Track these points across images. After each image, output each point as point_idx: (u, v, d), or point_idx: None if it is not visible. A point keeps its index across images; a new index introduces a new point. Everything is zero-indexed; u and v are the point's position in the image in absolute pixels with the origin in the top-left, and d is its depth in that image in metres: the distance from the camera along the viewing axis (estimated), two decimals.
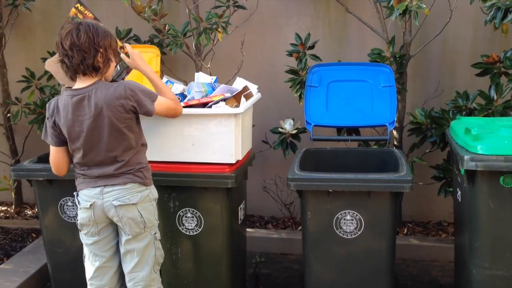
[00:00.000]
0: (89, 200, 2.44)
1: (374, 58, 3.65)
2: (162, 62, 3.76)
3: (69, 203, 3.04)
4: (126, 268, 2.53)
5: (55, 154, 2.50)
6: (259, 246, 4.03)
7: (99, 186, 2.43)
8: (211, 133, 2.74)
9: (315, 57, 3.76)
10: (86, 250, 2.57)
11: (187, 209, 2.88)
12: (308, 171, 2.74)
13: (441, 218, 4.22)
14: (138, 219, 2.45)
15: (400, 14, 3.41)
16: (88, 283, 2.58)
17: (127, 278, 2.54)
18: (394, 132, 3.83)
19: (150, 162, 2.85)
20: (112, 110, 2.33)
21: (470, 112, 3.44)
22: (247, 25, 4.07)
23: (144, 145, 2.54)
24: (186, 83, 3.30)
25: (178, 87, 3.05)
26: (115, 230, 2.54)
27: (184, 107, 2.76)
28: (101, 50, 2.33)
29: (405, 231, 4.08)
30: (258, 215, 4.50)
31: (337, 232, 2.72)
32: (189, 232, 2.91)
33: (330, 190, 2.66)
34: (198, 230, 2.89)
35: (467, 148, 2.55)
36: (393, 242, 2.76)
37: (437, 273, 3.68)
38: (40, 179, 3.02)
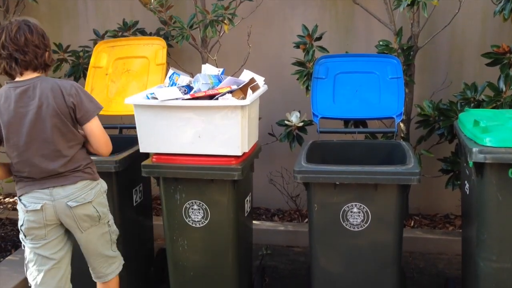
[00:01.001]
0: (38, 202, 2.39)
1: (382, 49, 3.63)
2: (168, 54, 3.75)
3: None
4: (90, 262, 2.61)
5: None
6: (265, 239, 4.04)
7: (47, 187, 2.39)
8: (218, 125, 2.74)
9: (322, 48, 3.73)
10: (31, 256, 2.51)
11: (193, 201, 2.88)
12: (314, 164, 2.72)
13: (448, 211, 4.20)
14: (94, 215, 2.49)
15: (408, 5, 3.38)
16: None
17: (93, 270, 2.64)
18: (402, 125, 3.81)
19: (157, 154, 2.87)
20: (57, 101, 2.32)
21: (479, 104, 3.41)
22: (253, 17, 4.05)
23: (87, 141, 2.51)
24: (192, 75, 3.29)
25: (184, 79, 3.04)
26: (63, 229, 2.51)
27: (190, 99, 2.76)
28: (48, 48, 2.41)
29: (412, 224, 4.07)
30: (265, 208, 4.50)
31: (344, 224, 2.71)
32: (196, 224, 2.91)
33: (337, 183, 2.65)
34: (205, 222, 2.90)
35: (475, 140, 2.53)
36: (400, 235, 2.75)
37: (444, 266, 3.67)
38: None
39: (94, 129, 2.44)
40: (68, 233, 2.55)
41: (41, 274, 2.50)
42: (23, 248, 2.57)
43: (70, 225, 2.47)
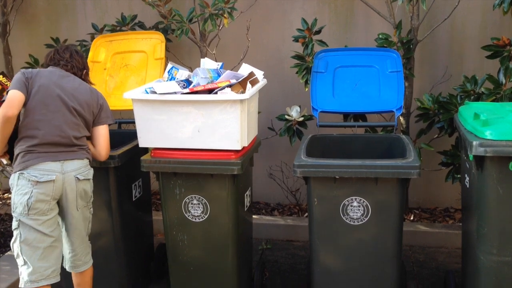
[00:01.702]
0: (51, 174, 2.53)
1: (381, 43, 3.61)
2: (166, 48, 3.73)
3: None
4: (75, 247, 2.74)
5: (19, 97, 2.52)
6: (265, 233, 4.04)
7: (60, 160, 2.57)
8: (217, 120, 2.72)
9: (322, 42, 3.72)
10: (29, 234, 2.54)
11: (193, 195, 2.87)
12: (314, 158, 2.72)
13: (448, 205, 4.20)
14: (89, 194, 2.73)
15: None
16: (27, 275, 2.57)
17: (74, 257, 2.76)
18: (401, 118, 3.80)
19: (156, 149, 2.86)
20: (91, 97, 2.76)
21: (478, 97, 3.40)
22: (253, 11, 4.03)
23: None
24: (191, 70, 3.28)
25: (183, 73, 3.03)
26: (58, 210, 2.64)
27: (189, 93, 2.74)
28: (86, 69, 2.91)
29: (412, 218, 4.07)
30: (264, 202, 4.50)
31: (344, 218, 2.71)
32: (195, 219, 2.90)
33: (336, 177, 2.64)
34: (204, 217, 2.89)
35: (476, 134, 2.52)
36: (400, 229, 2.74)
37: (443, 260, 3.67)
38: None
39: (105, 135, 2.82)
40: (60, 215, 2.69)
41: (39, 251, 2.56)
42: (14, 227, 2.58)
43: (71, 200, 2.63)
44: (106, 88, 3.65)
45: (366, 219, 2.69)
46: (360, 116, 3.64)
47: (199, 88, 2.77)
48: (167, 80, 3.00)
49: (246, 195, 3.10)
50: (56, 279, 2.65)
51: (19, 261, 2.60)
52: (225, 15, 3.71)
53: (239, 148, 2.77)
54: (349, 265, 2.78)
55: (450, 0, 3.67)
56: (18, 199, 2.53)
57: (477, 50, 3.56)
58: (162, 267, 3.41)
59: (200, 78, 2.88)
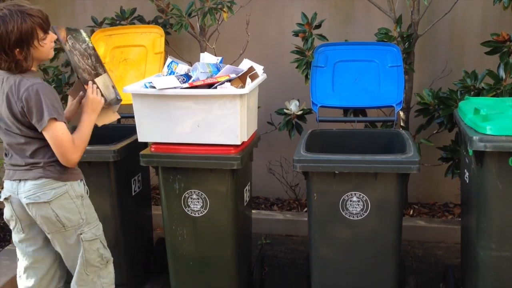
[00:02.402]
0: (5, 194, 2.30)
1: (382, 37, 3.60)
2: (166, 42, 3.72)
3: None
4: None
5: None
6: (265, 228, 4.04)
7: (15, 179, 2.26)
8: (216, 114, 2.72)
9: (322, 37, 3.70)
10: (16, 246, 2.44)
11: (192, 190, 2.87)
12: (314, 153, 2.72)
13: (447, 200, 4.20)
14: (53, 219, 2.25)
15: None
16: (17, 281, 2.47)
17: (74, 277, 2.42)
18: (401, 113, 3.79)
19: (155, 143, 2.86)
20: (10, 102, 2.17)
21: (479, 92, 3.40)
22: (252, 5, 4.01)
23: None
24: (190, 64, 3.27)
25: (182, 68, 3.02)
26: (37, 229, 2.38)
27: (189, 88, 2.74)
28: (15, 50, 2.12)
29: (411, 213, 4.07)
30: (264, 197, 4.50)
31: (343, 213, 2.71)
32: (195, 214, 2.90)
33: (336, 172, 2.64)
34: (204, 211, 2.89)
35: (475, 129, 2.52)
36: (400, 224, 2.75)
37: (443, 255, 3.68)
38: None
39: (48, 137, 2.20)
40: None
41: (22, 269, 2.45)
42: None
43: (39, 223, 2.32)
44: None
45: (365, 214, 2.69)
46: (360, 111, 3.63)
47: (198, 83, 2.77)
48: (166, 75, 2.99)
49: (246, 190, 3.10)
50: None
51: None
52: (224, 9, 3.70)
53: (239, 143, 2.77)
54: (348, 260, 2.79)
55: None
56: None
57: (477, 45, 3.55)
58: (162, 262, 3.41)
59: (199, 73, 2.87)
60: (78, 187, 2.34)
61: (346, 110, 3.59)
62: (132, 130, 3.00)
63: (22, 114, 2.16)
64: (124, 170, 3.08)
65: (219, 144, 2.77)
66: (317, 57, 3.39)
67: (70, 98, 2.56)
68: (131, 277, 3.24)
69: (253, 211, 3.56)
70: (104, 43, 3.72)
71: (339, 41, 3.77)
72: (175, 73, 2.97)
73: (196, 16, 3.88)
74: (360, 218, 2.71)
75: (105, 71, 2.55)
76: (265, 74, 3.06)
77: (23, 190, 2.25)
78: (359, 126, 3.45)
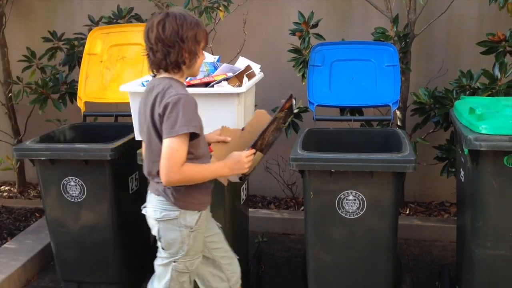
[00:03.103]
0: (145, 205, 2.32)
1: (378, 37, 3.62)
2: None
3: (72, 183, 3.04)
4: None
5: None
6: (262, 226, 4.05)
7: (149, 191, 2.29)
8: (213, 113, 2.72)
9: (319, 36, 3.72)
10: None
11: None
12: (310, 151, 2.72)
13: (443, 199, 4.22)
14: (157, 236, 2.26)
15: None
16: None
17: None
18: (398, 112, 3.81)
19: None
20: (152, 109, 2.10)
21: (474, 92, 3.41)
22: (249, 4, 4.02)
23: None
24: None
25: None
26: None
27: (186, 86, 2.74)
28: (187, 43, 2.09)
29: (408, 211, 4.09)
30: (261, 196, 4.51)
31: (340, 212, 2.72)
32: None
33: (332, 170, 2.65)
34: None
35: (471, 128, 2.53)
36: (396, 222, 2.76)
37: (439, 253, 3.69)
38: (42, 158, 3.02)
39: (163, 150, 2.07)
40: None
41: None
42: None
43: None
44: (102, 81, 3.64)
45: (361, 212, 2.70)
46: (356, 110, 3.65)
47: (195, 82, 2.77)
48: None
49: (242, 188, 3.11)
50: None
51: None
52: (220, 8, 3.70)
53: None
54: (344, 258, 2.80)
55: None
56: None
57: (473, 45, 3.57)
58: None
59: None
60: (190, 217, 2.21)
61: (342, 109, 3.60)
62: (129, 128, 3.01)
63: (160, 121, 2.07)
64: (121, 169, 3.09)
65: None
66: (314, 56, 3.40)
67: (221, 131, 2.47)
68: (127, 276, 3.24)
69: (250, 209, 3.58)
70: (101, 41, 3.72)
71: (336, 40, 3.78)
72: None
73: None
74: (356, 216, 2.72)
75: (264, 154, 2.40)
76: (262, 73, 3.07)
77: (149, 199, 2.27)
78: (355, 125, 3.46)
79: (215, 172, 2.21)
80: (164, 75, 2.17)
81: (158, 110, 2.06)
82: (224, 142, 2.41)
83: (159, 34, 2.07)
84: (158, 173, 2.12)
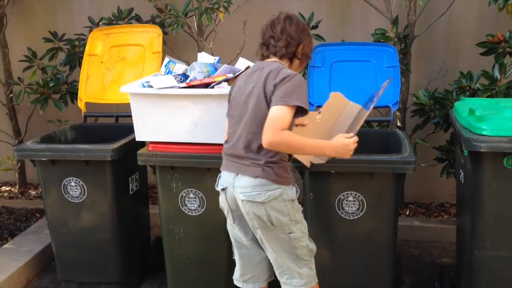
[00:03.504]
0: (222, 185, 2.38)
1: (378, 38, 3.62)
2: (164, 42, 3.73)
3: (72, 183, 3.04)
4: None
5: None
6: None
7: (232, 172, 2.33)
8: (214, 114, 2.73)
9: (319, 37, 3.72)
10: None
11: (189, 189, 2.88)
12: None
13: (443, 200, 4.22)
14: (263, 218, 2.29)
15: None
16: (236, 270, 2.57)
17: (274, 267, 2.46)
18: (398, 113, 3.81)
19: (153, 142, 2.87)
20: (264, 84, 2.24)
21: (474, 93, 3.42)
22: (249, 5, 4.02)
23: None
24: (188, 64, 3.27)
25: (180, 67, 3.03)
26: None
27: (186, 87, 2.75)
28: (304, 44, 2.37)
29: (407, 212, 4.09)
30: None
31: (339, 213, 2.72)
32: (192, 213, 2.92)
33: (332, 171, 2.65)
34: (201, 210, 2.90)
35: (471, 129, 2.54)
36: (395, 223, 2.76)
37: (438, 254, 3.69)
38: (43, 159, 3.02)
39: (270, 115, 2.19)
40: None
41: (237, 258, 2.54)
42: None
43: (246, 218, 2.37)
44: (103, 82, 3.65)
45: (361, 213, 2.71)
46: None
47: (196, 82, 2.78)
48: (164, 74, 3.00)
49: None
50: (251, 286, 2.54)
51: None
52: (220, 9, 3.71)
53: None
54: (344, 259, 2.80)
55: None
56: None
57: (473, 46, 3.57)
58: (159, 261, 3.42)
59: (197, 72, 2.88)
60: (290, 191, 2.34)
61: None
62: (130, 129, 3.01)
63: (271, 92, 2.22)
64: (121, 169, 3.09)
65: (216, 144, 2.78)
66: (314, 57, 3.40)
67: (313, 114, 2.57)
68: (128, 276, 3.25)
69: None
70: (101, 42, 3.73)
71: (336, 41, 3.79)
72: (173, 73, 2.98)
73: (193, 16, 3.89)
74: (356, 217, 2.72)
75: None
76: None
77: (239, 185, 2.30)
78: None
79: (319, 148, 2.30)
80: (274, 59, 2.36)
81: (274, 81, 2.21)
82: (302, 125, 2.51)
83: (286, 26, 2.34)
84: (258, 148, 2.24)
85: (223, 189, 2.40)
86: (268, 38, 2.37)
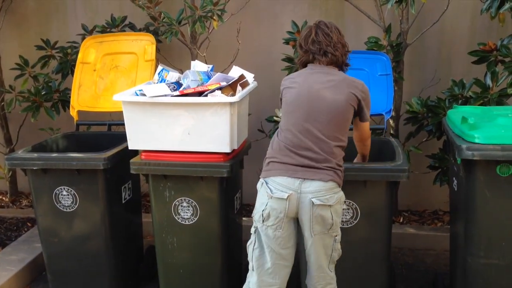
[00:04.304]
0: (285, 191, 2.33)
1: (371, 46, 3.63)
2: (157, 50, 3.73)
3: (64, 192, 3.02)
4: (309, 267, 2.48)
5: None
6: None
7: (298, 178, 2.32)
8: (207, 122, 2.72)
9: None
10: (260, 243, 2.44)
11: (182, 198, 2.87)
12: None
13: (436, 207, 4.23)
14: (329, 221, 2.35)
15: (396, 2, 3.39)
16: (254, 283, 2.48)
17: (312, 277, 2.48)
18: (391, 121, 3.82)
19: (146, 151, 2.85)
20: (346, 92, 2.40)
21: (466, 101, 3.43)
22: (243, 13, 4.03)
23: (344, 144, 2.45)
24: (181, 72, 3.27)
25: (173, 76, 3.03)
26: (296, 225, 2.43)
27: (179, 95, 2.74)
28: (347, 51, 2.54)
29: (401, 220, 4.09)
30: (254, 205, 4.48)
31: None
32: (185, 222, 2.90)
33: None
34: (194, 219, 2.89)
35: (463, 137, 2.54)
36: (389, 231, 2.76)
37: (432, 262, 3.69)
38: (34, 168, 3.00)
39: (364, 127, 2.61)
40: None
41: (267, 265, 2.45)
42: (252, 231, 2.48)
43: (305, 222, 2.36)
44: (95, 90, 3.64)
45: (355, 221, 2.70)
46: None
47: (189, 91, 2.77)
48: (157, 82, 2.99)
49: (236, 197, 3.10)
50: None
51: (250, 265, 2.51)
52: (214, 18, 3.71)
53: (229, 150, 2.77)
54: (338, 267, 2.78)
55: (439, 4, 3.69)
56: (257, 205, 2.44)
57: (465, 54, 3.59)
58: (151, 269, 3.40)
59: (190, 81, 2.88)
60: (343, 192, 2.45)
61: None
62: (123, 137, 3.00)
63: (357, 104, 2.44)
64: (114, 178, 3.07)
65: (210, 152, 2.78)
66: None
67: None
68: (120, 285, 3.22)
69: (243, 218, 3.56)
70: (94, 49, 3.72)
71: None
72: (166, 81, 2.98)
73: (187, 24, 3.89)
74: (350, 225, 2.72)
75: None
76: (255, 82, 3.08)
77: (310, 190, 2.32)
78: (349, 134, 3.45)
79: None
80: (331, 66, 2.49)
81: (359, 93, 2.43)
82: None
83: (339, 36, 2.50)
84: (334, 152, 2.36)
85: (286, 197, 2.32)
86: (326, 46, 2.45)
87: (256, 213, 2.43)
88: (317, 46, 2.45)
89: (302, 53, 2.53)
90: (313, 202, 2.31)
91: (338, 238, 2.45)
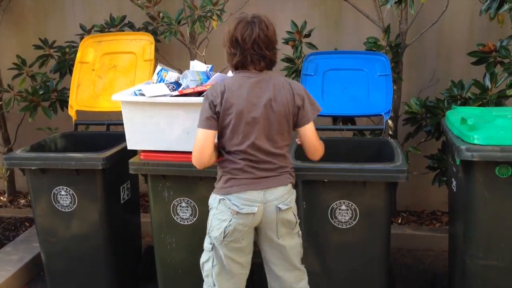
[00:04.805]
0: (254, 205, 2.29)
1: (370, 46, 3.63)
2: (156, 49, 3.72)
3: (63, 192, 3.01)
4: (278, 270, 2.45)
5: (204, 138, 2.31)
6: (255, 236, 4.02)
7: (261, 189, 2.30)
8: None
9: (311, 45, 3.73)
10: (219, 259, 2.39)
11: (181, 198, 2.86)
12: (303, 161, 2.72)
13: (435, 208, 4.23)
14: (293, 220, 2.39)
15: (395, 2, 3.39)
16: None
17: (277, 281, 2.47)
18: (390, 122, 3.82)
19: (144, 151, 2.85)
20: (287, 98, 2.28)
21: (465, 102, 3.43)
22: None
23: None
24: (180, 72, 3.26)
25: (172, 76, 3.02)
26: (254, 232, 2.42)
27: (178, 95, 2.73)
28: (275, 50, 2.35)
29: (400, 221, 4.09)
30: None
31: (332, 222, 2.71)
32: (184, 222, 2.89)
33: (325, 180, 2.65)
34: (193, 219, 2.88)
35: (463, 138, 2.54)
36: (388, 232, 2.76)
37: (431, 263, 3.69)
38: (33, 168, 2.99)
39: (310, 132, 2.41)
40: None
41: (228, 276, 2.42)
42: (207, 248, 2.43)
43: (270, 228, 2.35)
44: (94, 89, 3.63)
45: (354, 222, 2.70)
46: (349, 119, 3.65)
47: (188, 91, 2.76)
48: (156, 82, 2.99)
49: None
50: None
51: (208, 281, 2.47)
52: (213, 17, 3.70)
53: None
54: (337, 268, 2.79)
55: (438, 4, 3.70)
56: (215, 223, 2.36)
57: (464, 55, 3.59)
58: (150, 270, 3.39)
59: (189, 81, 2.87)
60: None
61: (335, 118, 3.61)
62: (121, 137, 2.99)
63: (299, 108, 2.32)
64: (113, 178, 3.07)
65: None
66: (307, 65, 3.41)
67: None
68: (119, 285, 3.22)
69: None
70: (93, 49, 3.71)
71: (329, 49, 3.80)
72: (165, 81, 2.97)
73: (186, 24, 3.88)
74: (349, 226, 2.71)
75: None
76: None
77: (275, 196, 2.32)
78: (348, 135, 3.46)
79: None
80: (265, 72, 2.33)
81: (298, 99, 2.30)
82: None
83: (275, 38, 2.34)
84: (286, 156, 2.37)
85: (255, 211, 2.30)
86: (265, 50, 2.29)
87: (216, 231, 2.34)
88: (257, 51, 2.26)
89: (239, 53, 2.29)
90: (280, 208, 2.32)
91: (300, 233, 2.48)
